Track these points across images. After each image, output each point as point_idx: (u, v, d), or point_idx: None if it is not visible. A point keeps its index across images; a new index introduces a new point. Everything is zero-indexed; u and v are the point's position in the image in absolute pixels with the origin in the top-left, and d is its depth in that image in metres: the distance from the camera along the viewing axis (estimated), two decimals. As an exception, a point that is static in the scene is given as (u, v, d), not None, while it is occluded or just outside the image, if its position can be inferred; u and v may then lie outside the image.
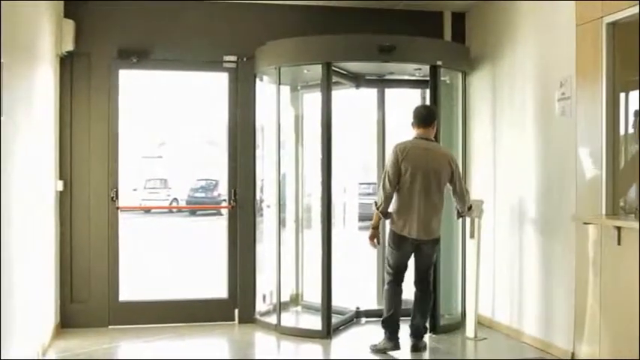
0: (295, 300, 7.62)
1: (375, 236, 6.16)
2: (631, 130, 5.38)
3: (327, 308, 6.61)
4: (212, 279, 8.25)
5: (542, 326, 6.24)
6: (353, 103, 7.78)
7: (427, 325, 6.37)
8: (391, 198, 6.02)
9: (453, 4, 7.44)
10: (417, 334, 6.24)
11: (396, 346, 6.13)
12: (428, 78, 6.89)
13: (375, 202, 6.09)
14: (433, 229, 6.03)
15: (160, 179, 25.36)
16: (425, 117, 6.14)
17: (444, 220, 6.55)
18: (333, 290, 6.66)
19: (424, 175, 5.96)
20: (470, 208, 6.31)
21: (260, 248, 7.32)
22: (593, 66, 5.43)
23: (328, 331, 6.60)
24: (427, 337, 6.49)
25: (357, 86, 7.52)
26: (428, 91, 6.97)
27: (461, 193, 6.15)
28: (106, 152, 6.97)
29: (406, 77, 7.55)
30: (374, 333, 6.76)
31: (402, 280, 6.19)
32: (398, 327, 6.16)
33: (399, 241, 6.04)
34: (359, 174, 9.08)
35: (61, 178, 6.82)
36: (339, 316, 6.96)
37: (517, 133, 6.69)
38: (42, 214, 6.02)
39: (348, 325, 7.09)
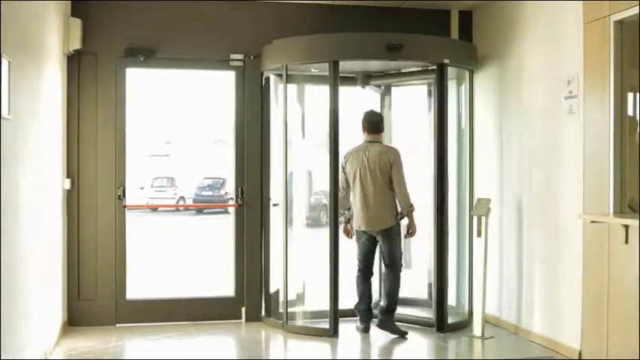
0: (302, 298, 7.61)
1: (345, 230, 6.96)
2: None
3: (333, 307, 6.61)
4: (219, 277, 8.26)
5: (549, 325, 6.23)
6: (359, 102, 7.78)
7: (391, 303, 6.69)
8: (344, 200, 6.81)
9: (460, 3, 7.43)
10: (381, 311, 6.72)
11: (365, 330, 6.76)
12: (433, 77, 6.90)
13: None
14: (378, 221, 6.64)
15: (166, 177, 25.39)
16: (374, 125, 6.80)
17: (452, 219, 6.86)
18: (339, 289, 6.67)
19: (363, 175, 6.65)
20: (412, 209, 6.60)
21: (267, 246, 7.31)
22: (600, 64, 5.42)
23: (335, 330, 6.60)
24: (434, 334, 6.62)
25: (363, 85, 7.51)
26: (434, 89, 6.97)
27: (398, 191, 6.60)
28: (113, 151, 6.98)
29: (413, 82, 7.56)
30: (380, 331, 6.78)
31: (368, 270, 6.86)
32: (365, 312, 6.78)
33: (357, 235, 6.82)
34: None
35: (68, 177, 6.84)
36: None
37: (524, 131, 6.68)
38: (49, 213, 6.04)
39: (354, 322, 7.09)
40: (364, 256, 6.82)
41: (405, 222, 6.71)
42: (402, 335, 6.64)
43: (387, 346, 6.61)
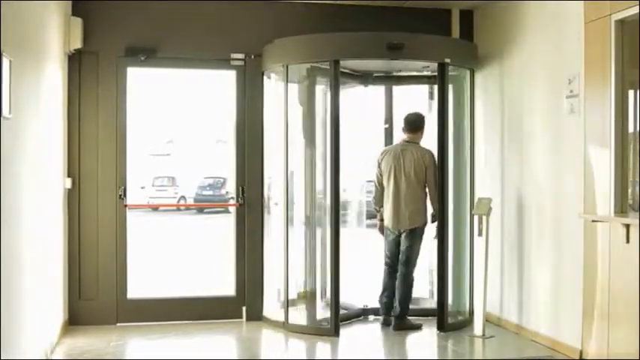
0: (303, 298, 7.60)
1: (381, 228, 7.15)
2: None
3: (335, 306, 6.61)
4: (220, 277, 8.26)
5: (550, 324, 6.23)
6: (361, 101, 7.78)
7: (404, 307, 6.85)
8: (380, 196, 7.07)
9: (461, 3, 7.42)
10: (395, 315, 6.88)
11: (386, 321, 6.98)
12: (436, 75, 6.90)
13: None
14: (406, 220, 6.86)
15: (167, 177, 25.44)
16: (411, 124, 7.00)
17: (452, 218, 6.86)
18: (340, 288, 6.66)
19: (396, 174, 6.89)
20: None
21: (268, 246, 7.32)
22: (601, 63, 5.42)
23: (336, 329, 6.60)
24: (436, 335, 6.70)
25: (365, 84, 7.50)
26: (436, 88, 6.98)
27: (431, 193, 6.84)
28: (114, 150, 6.98)
29: (414, 74, 7.55)
30: (381, 331, 6.79)
31: (395, 266, 6.98)
32: (387, 304, 6.98)
33: (386, 232, 7.05)
34: (367, 172, 9.05)
35: (69, 176, 6.84)
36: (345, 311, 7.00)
37: (525, 131, 6.68)
38: (50, 212, 6.04)
39: (356, 322, 7.10)
40: (392, 253, 7.01)
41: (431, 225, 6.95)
42: (418, 328, 6.87)
43: (387, 346, 6.62)
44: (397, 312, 6.84)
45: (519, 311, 6.73)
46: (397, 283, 6.92)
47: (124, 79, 7.04)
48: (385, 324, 6.97)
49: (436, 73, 6.87)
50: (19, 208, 4.64)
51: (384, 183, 6.98)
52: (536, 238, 6.49)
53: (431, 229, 6.96)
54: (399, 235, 6.92)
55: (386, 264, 7.06)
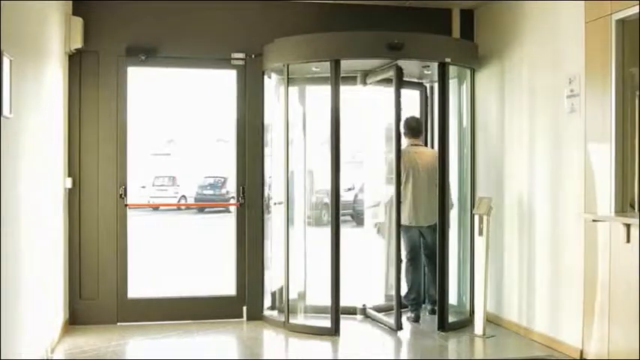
0: (303, 297, 7.61)
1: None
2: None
3: (335, 306, 6.61)
4: (220, 276, 8.26)
5: (551, 324, 6.23)
6: (360, 101, 7.77)
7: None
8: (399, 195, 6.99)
9: (462, 2, 7.42)
10: (432, 301, 7.20)
11: (416, 318, 7.13)
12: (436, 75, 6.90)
13: None
14: (424, 218, 7.10)
15: (168, 176, 25.39)
16: (414, 129, 7.26)
17: (454, 218, 6.95)
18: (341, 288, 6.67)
19: (414, 173, 7.12)
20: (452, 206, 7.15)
21: (268, 245, 7.33)
22: (602, 63, 5.42)
23: (336, 329, 6.60)
24: (435, 335, 6.68)
25: (365, 84, 7.50)
26: (436, 87, 6.98)
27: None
28: (115, 149, 6.99)
29: (414, 79, 7.56)
30: (382, 330, 6.79)
31: (418, 260, 7.28)
32: (415, 301, 7.19)
33: (405, 229, 7.08)
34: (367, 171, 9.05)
35: (69, 176, 6.84)
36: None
37: (525, 130, 6.68)
38: (51, 212, 6.04)
39: (356, 322, 7.10)
40: (413, 248, 7.26)
41: None
42: None
43: (388, 345, 6.62)
44: (434, 295, 7.02)
45: (520, 311, 6.73)
46: (429, 273, 7.17)
47: (125, 78, 7.04)
48: (416, 320, 7.11)
49: (435, 81, 6.89)
50: (19, 207, 4.64)
51: (403, 182, 7.05)
52: (536, 237, 6.48)
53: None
54: (419, 232, 7.16)
55: (408, 260, 7.25)
